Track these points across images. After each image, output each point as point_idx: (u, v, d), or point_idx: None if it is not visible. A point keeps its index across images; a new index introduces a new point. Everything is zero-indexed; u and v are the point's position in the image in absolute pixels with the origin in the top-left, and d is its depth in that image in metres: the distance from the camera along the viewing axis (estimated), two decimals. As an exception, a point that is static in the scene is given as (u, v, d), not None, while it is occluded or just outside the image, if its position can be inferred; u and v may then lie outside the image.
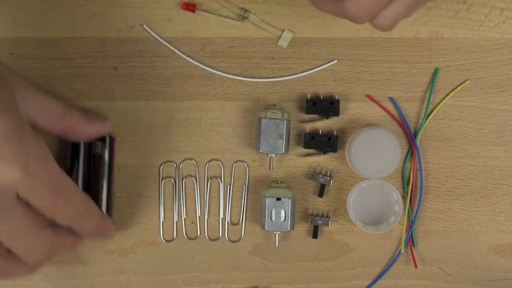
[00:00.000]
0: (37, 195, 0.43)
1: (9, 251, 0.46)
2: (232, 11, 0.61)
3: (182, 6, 0.60)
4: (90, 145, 0.58)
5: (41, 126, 0.50)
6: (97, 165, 0.58)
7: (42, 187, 0.43)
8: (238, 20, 0.61)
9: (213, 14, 0.61)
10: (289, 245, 0.62)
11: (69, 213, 0.46)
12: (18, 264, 0.47)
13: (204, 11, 0.61)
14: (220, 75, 0.62)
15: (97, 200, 0.57)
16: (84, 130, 0.55)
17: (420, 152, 0.62)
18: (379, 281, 0.63)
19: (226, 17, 0.61)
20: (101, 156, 0.58)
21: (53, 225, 0.48)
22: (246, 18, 0.60)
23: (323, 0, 0.51)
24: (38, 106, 0.48)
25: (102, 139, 0.58)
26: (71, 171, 0.58)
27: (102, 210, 0.57)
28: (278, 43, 0.61)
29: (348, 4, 0.48)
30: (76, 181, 0.57)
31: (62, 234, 0.50)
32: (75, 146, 0.58)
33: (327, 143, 0.61)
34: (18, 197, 0.43)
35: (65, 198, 0.45)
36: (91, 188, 0.58)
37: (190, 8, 0.60)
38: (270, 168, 0.61)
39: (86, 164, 0.58)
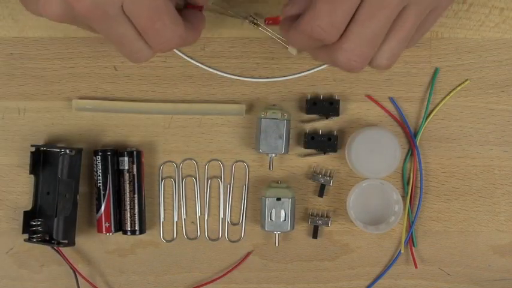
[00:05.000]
0: (139, 13, 0.45)
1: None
2: (238, 14, 0.61)
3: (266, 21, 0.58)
4: (118, 160, 0.60)
5: None
6: (125, 180, 0.60)
7: (145, 6, 0.45)
8: (250, 24, 0.61)
9: (221, 13, 0.61)
10: (289, 245, 0.62)
11: (164, 40, 0.47)
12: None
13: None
14: (220, 75, 0.62)
15: (130, 216, 0.60)
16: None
17: (420, 152, 0.62)
18: (379, 281, 0.63)
19: (235, 18, 0.61)
20: (129, 171, 0.60)
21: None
22: (258, 24, 0.60)
23: (316, 51, 0.50)
24: None
25: (129, 154, 0.60)
26: (104, 186, 0.60)
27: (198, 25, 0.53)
28: (288, 50, 0.61)
29: (339, 55, 0.47)
30: (109, 195, 0.60)
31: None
32: (103, 162, 0.60)
33: (327, 143, 0.61)
34: (123, 11, 0.45)
35: (163, 24, 0.46)
36: (121, 203, 0.60)
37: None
38: (270, 168, 0.61)
39: (116, 180, 0.60)
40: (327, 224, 0.62)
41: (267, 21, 0.56)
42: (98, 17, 0.45)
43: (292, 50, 0.60)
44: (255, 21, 0.60)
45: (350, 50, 0.47)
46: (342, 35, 0.47)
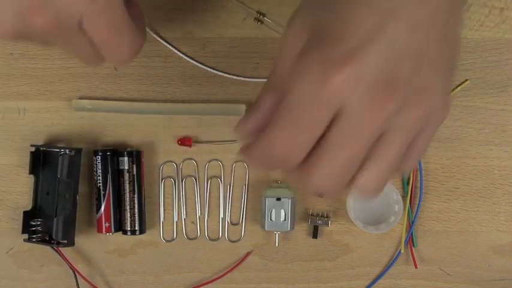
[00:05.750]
0: (97, 27, 0.43)
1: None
2: (243, 11, 0.61)
3: (178, 142, 0.62)
4: (118, 160, 0.60)
5: None
6: (125, 180, 0.60)
7: (104, 19, 0.43)
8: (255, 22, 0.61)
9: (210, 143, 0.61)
10: (289, 245, 0.62)
11: (121, 53, 0.46)
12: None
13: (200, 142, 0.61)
14: (220, 75, 0.62)
15: (130, 216, 0.60)
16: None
17: (420, 152, 0.62)
18: (379, 281, 0.63)
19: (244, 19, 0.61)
20: (129, 171, 0.60)
21: None
22: (261, 22, 0.60)
23: (286, 172, 0.42)
24: None
25: (129, 154, 0.60)
26: (104, 186, 0.60)
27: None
28: None
29: (308, 185, 0.40)
30: (109, 195, 0.60)
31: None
32: (103, 162, 0.60)
33: (327, 143, 0.61)
34: (81, 26, 0.43)
35: (121, 36, 0.44)
36: (121, 203, 0.60)
37: (186, 142, 0.62)
38: (270, 168, 0.61)
39: (116, 180, 0.60)
40: (327, 224, 0.62)
41: (179, 142, 0.61)
42: (56, 32, 0.43)
43: None
44: (260, 17, 0.60)
45: (318, 180, 0.40)
46: (310, 164, 0.40)
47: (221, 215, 0.62)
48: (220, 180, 0.62)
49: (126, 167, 0.60)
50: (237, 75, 0.62)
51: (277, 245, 0.61)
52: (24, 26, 0.42)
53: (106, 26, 0.43)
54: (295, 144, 0.39)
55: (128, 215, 0.60)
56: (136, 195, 0.60)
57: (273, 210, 0.60)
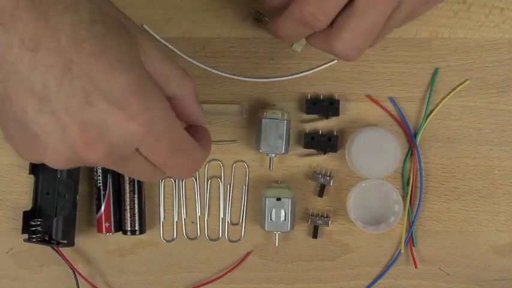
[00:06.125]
0: (157, 152, 0.41)
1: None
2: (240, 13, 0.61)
3: None
4: None
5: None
6: (125, 180, 0.60)
7: (163, 144, 0.41)
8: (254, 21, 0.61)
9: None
10: (289, 245, 0.62)
11: (187, 169, 0.44)
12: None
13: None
14: (220, 75, 0.62)
15: (130, 216, 0.60)
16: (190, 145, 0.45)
17: (420, 152, 0.62)
18: (379, 281, 0.63)
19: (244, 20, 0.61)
20: None
21: None
22: (261, 21, 0.60)
23: (313, 38, 0.51)
24: (159, 62, 0.44)
25: None
26: (104, 186, 0.60)
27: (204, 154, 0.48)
28: (292, 47, 0.61)
29: (336, 45, 0.48)
30: (109, 195, 0.60)
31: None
32: None
33: (327, 143, 0.61)
34: (139, 151, 0.42)
35: (184, 154, 0.43)
36: (121, 203, 0.60)
37: None
38: (270, 168, 0.61)
39: (116, 180, 0.61)
40: (327, 224, 0.62)
41: None
42: (112, 161, 0.41)
43: (297, 47, 0.60)
44: (260, 17, 0.60)
45: (347, 40, 0.48)
46: (340, 26, 0.48)
47: (221, 215, 0.62)
48: (220, 180, 0.62)
49: None
50: (237, 75, 0.62)
51: (277, 245, 0.61)
52: (79, 158, 0.40)
53: (166, 151, 0.41)
54: (323, 8, 0.46)
55: (128, 215, 0.60)
56: (136, 195, 0.60)
57: (273, 210, 0.60)
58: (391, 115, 0.62)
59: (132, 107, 0.39)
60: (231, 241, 0.62)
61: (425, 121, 0.62)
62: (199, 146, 0.44)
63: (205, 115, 0.48)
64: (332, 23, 0.48)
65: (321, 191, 0.62)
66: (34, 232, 0.60)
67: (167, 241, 0.62)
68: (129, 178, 0.60)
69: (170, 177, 0.43)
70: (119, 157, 0.40)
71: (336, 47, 0.48)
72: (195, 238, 0.62)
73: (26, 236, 0.60)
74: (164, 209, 0.62)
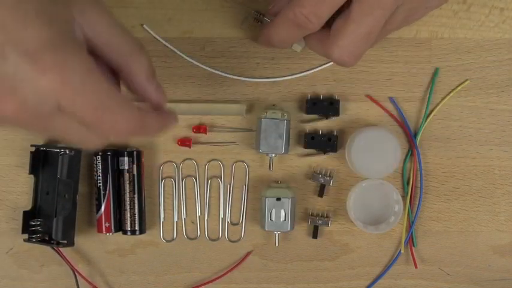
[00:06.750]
0: (78, 108, 0.40)
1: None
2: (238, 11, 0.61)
3: (178, 142, 0.62)
4: (118, 160, 0.60)
5: (100, 53, 0.44)
6: (125, 180, 0.60)
7: (83, 100, 0.39)
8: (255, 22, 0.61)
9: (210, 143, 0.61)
10: (289, 245, 0.62)
11: (121, 128, 0.42)
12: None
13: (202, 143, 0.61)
14: (220, 75, 0.62)
15: (130, 216, 0.60)
16: (149, 97, 0.46)
17: (420, 152, 0.62)
18: (379, 281, 0.63)
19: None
20: (129, 171, 0.60)
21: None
22: (261, 21, 0.60)
23: (312, 41, 0.51)
24: (100, 27, 0.43)
25: (129, 154, 0.60)
26: (104, 186, 0.60)
27: (162, 112, 0.47)
28: (292, 47, 0.60)
29: (333, 51, 0.49)
30: (109, 195, 0.60)
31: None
32: (103, 162, 0.60)
33: (327, 143, 0.61)
34: (61, 108, 0.40)
35: (111, 112, 0.41)
36: (121, 203, 0.60)
37: (186, 143, 0.62)
38: (270, 168, 0.61)
39: (116, 180, 0.61)
40: (327, 224, 0.62)
41: (178, 143, 0.61)
42: (32, 118, 0.39)
43: (297, 47, 0.60)
44: (260, 17, 0.60)
45: (344, 46, 0.48)
46: (337, 32, 0.48)
47: (221, 215, 0.62)
48: (220, 180, 0.62)
49: (126, 167, 0.60)
50: (237, 75, 0.62)
51: (277, 245, 0.61)
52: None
53: (87, 107, 0.40)
54: (316, 11, 0.46)
55: (128, 215, 0.60)
56: (136, 195, 0.60)
57: (273, 210, 0.60)
58: (391, 115, 0.62)
59: (44, 60, 0.38)
60: (231, 241, 0.62)
61: (425, 121, 0.62)
62: (136, 107, 0.42)
63: (164, 96, 0.47)
64: (329, 27, 0.48)
65: (321, 191, 0.62)
66: (34, 232, 0.60)
67: (167, 241, 0.62)
68: (129, 178, 0.60)
69: (114, 144, 0.41)
70: (39, 114, 0.39)
71: (333, 53, 0.49)
72: (195, 238, 0.62)
73: (26, 236, 0.60)
74: (164, 209, 0.62)
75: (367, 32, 0.47)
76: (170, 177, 0.62)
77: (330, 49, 0.49)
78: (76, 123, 0.41)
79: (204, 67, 0.62)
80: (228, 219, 0.62)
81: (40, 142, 0.61)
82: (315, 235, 0.62)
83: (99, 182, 0.60)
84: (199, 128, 0.61)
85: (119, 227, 0.61)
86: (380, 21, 0.47)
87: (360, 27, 0.47)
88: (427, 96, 0.62)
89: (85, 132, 0.42)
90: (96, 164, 0.60)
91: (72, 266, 0.61)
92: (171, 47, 0.61)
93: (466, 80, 0.62)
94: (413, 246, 0.62)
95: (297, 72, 0.62)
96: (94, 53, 0.42)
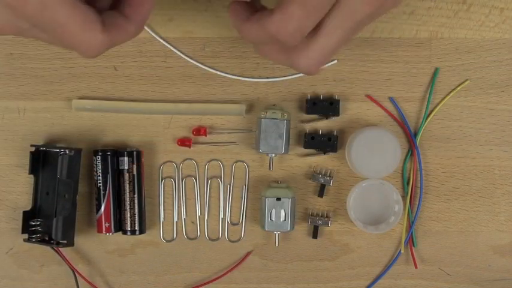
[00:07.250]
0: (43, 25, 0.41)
1: None
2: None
3: (177, 142, 0.62)
4: (117, 160, 0.60)
5: None
6: (125, 180, 0.60)
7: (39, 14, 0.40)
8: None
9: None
10: (289, 245, 0.62)
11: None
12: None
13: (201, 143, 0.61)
14: (220, 75, 0.62)
15: (130, 216, 0.60)
16: None
17: (420, 152, 0.62)
18: (379, 281, 0.63)
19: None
20: (129, 171, 0.60)
21: None
22: None
23: (272, 51, 0.49)
24: None
25: (129, 154, 0.60)
26: (104, 186, 0.60)
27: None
28: None
29: (300, 61, 0.47)
30: (109, 195, 0.60)
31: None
32: (103, 162, 0.60)
33: (327, 143, 0.61)
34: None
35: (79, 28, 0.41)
36: (121, 203, 0.60)
37: (186, 143, 0.61)
38: (270, 168, 0.61)
39: (116, 180, 0.60)
40: (327, 224, 0.62)
41: (178, 143, 0.61)
42: (12, 31, 0.42)
43: None
44: None
45: (313, 58, 0.46)
46: (307, 44, 0.46)
47: (221, 215, 0.62)
48: (220, 180, 0.62)
49: (126, 167, 0.60)
50: (237, 75, 0.62)
51: (277, 245, 0.61)
52: (11, 17, 0.41)
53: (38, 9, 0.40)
54: (303, 24, 0.44)
55: (128, 215, 0.60)
56: (136, 195, 0.60)
57: (273, 210, 0.60)
58: (391, 115, 0.62)
59: None
60: (231, 241, 0.62)
61: (425, 121, 0.62)
62: (101, 22, 0.42)
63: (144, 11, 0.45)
64: None
65: (321, 191, 0.62)
66: (34, 232, 0.60)
67: (167, 241, 0.62)
68: (129, 178, 0.60)
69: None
70: (17, 28, 0.42)
71: (299, 63, 0.47)
72: (195, 238, 0.62)
73: (25, 236, 0.60)
74: (164, 209, 0.62)
75: (337, 43, 0.46)
76: (170, 177, 0.62)
77: (297, 59, 0.47)
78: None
79: (204, 67, 0.62)
80: (228, 219, 0.62)
81: (40, 142, 0.61)
82: (315, 235, 0.62)
83: (99, 182, 0.60)
84: (199, 131, 0.61)
85: (119, 227, 0.61)
86: (351, 33, 0.46)
87: (330, 40, 0.45)
88: (427, 96, 0.62)
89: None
90: (96, 164, 0.60)
91: (72, 266, 0.61)
92: (171, 47, 0.61)
93: (466, 80, 0.62)
94: (413, 246, 0.62)
95: (297, 72, 0.62)
96: None
